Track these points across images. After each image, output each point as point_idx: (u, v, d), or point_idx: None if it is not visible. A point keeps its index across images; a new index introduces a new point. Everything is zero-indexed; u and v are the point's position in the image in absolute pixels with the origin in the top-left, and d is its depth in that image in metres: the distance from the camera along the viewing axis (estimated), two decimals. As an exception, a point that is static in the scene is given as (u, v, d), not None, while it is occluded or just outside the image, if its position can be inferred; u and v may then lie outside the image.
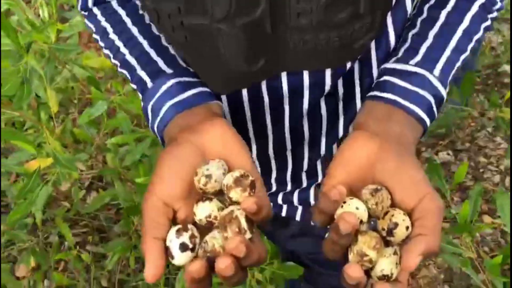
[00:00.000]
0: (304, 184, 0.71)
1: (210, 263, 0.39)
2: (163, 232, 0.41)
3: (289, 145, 0.62)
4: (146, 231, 0.41)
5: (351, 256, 0.40)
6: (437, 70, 0.50)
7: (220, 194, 0.43)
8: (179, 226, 0.41)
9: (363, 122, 0.47)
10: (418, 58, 0.51)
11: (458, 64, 0.52)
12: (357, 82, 0.58)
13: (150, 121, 0.52)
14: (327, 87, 0.54)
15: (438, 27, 0.53)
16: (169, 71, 0.52)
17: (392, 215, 0.41)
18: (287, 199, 0.74)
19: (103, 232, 1.64)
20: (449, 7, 0.54)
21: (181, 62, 0.54)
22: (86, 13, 0.61)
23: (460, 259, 0.93)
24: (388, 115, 0.47)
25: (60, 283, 1.35)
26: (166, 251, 0.40)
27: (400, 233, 0.41)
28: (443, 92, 0.50)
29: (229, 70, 0.50)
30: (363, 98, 0.58)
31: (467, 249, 0.94)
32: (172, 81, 0.51)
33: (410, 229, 0.41)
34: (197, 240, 0.40)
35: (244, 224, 0.39)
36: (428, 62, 0.50)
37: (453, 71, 0.52)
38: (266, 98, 0.55)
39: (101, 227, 1.63)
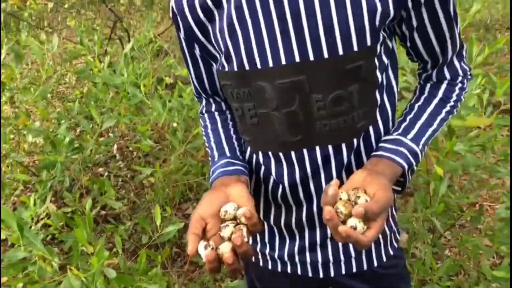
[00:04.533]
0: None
1: (220, 260, 0.73)
2: (199, 231, 0.76)
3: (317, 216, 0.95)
4: (190, 230, 0.76)
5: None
6: (410, 135, 0.87)
7: (233, 219, 0.78)
8: (205, 242, 0.74)
9: (366, 166, 0.84)
10: (399, 131, 0.87)
11: (429, 132, 0.88)
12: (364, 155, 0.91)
13: (210, 177, 0.93)
14: (345, 159, 0.87)
15: (413, 114, 0.90)
16: (228, 154, 0.95)
17: (358, 194, 0.75)
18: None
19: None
20: (420, 102, 0.91)
21: (237, 152, 0.96)
22: (201, 115, 1.07)
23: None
24: (378, 162, 0.83)
25: None
26: (198, 247, 0.73)
27: (361, 202, 0.73)
28: (415, 147, 0.86)
29: (280, 140, 0.87)
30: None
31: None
32: (227, 160, 0.93)
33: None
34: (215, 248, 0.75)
35: (245, 233, 0.75)
36: (404, 131, 0.88)
37: (426, 135, 0.87)
38: (307, 164, 0.88)
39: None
